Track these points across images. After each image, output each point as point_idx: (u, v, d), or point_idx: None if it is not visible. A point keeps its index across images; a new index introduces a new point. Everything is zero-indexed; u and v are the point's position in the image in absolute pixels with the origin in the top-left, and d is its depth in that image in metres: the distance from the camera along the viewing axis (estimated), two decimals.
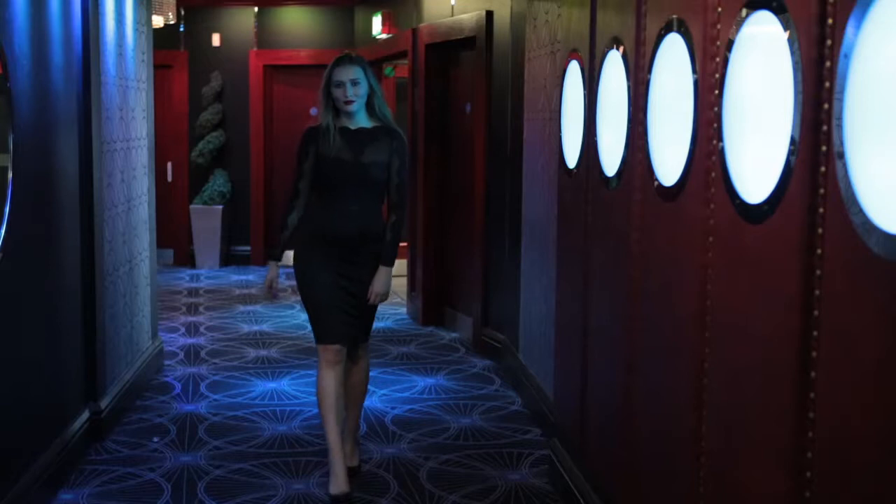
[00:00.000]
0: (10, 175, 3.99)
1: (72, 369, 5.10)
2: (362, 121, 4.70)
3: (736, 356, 2.71)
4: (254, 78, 11.72)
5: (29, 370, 4.38)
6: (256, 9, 11.57)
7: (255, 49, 11.68)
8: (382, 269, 4.72)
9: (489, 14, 7.48)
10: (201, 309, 9.30)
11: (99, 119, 5.39)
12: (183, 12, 11.32)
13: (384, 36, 9.73)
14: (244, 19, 11.69)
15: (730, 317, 2.75)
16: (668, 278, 3.28)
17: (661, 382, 3.35)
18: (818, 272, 2.25)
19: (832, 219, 2.18)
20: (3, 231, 3.87)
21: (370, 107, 4.69)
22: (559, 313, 4.94)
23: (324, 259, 4.67)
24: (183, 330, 8.37)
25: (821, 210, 2.23)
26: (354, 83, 4.59)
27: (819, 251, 2.24)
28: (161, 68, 9.98)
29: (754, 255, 2.59)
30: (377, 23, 9.91)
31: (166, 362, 7.18)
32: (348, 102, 4.60)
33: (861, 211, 2.04)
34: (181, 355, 7.49)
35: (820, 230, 2.24)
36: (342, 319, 4.71)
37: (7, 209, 3.93)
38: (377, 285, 4.72)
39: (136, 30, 6.44)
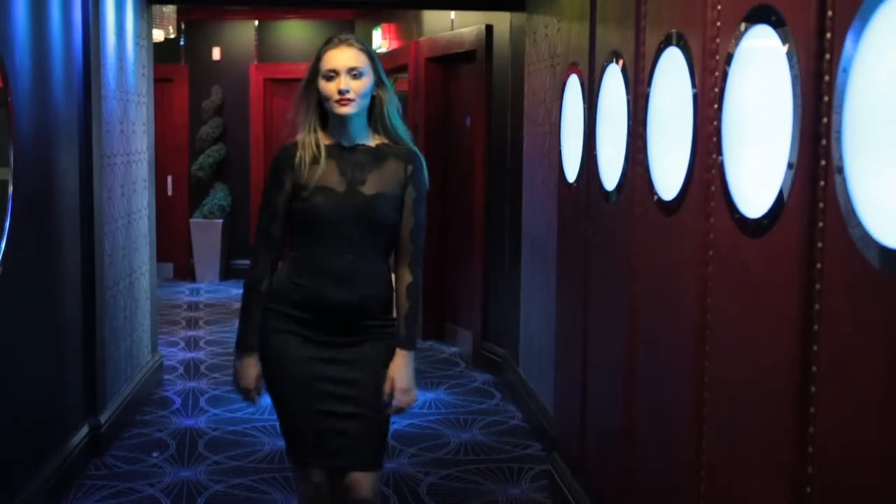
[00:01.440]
0: (10, 189, 3.99)
1: (71, 383, 5.09)
2: (361, 134, 3.24)
3: (736, 370, 2.71)
4: (254, 92, 11.74)
5: (28, 384, 4.37)
6: (257, 22, 11.59)
7: (255, 63, 11.70)
8: (402, 357, 3.26)
9: (489, 28, 7.49)
10: (201, 323, 9.29)
11: (99, 133, 5.40)
12: (183, 26, 11.35)
13: (384, 49, 9.74)
14: (244, 33, 11.71)
15: (730, 331, 2.75)
16: (667, 292, 3.27)
17: (662, 397, 3.34)
18: (818, 286, 2.25)
19: (832, 233, 2.18)
20: (3, 245, 3.87)
21: (375, 115, 3.26)
22: (559, 327, 4.94)
23: (302, 340, 3.23)
24: (183, 344, 8.36)
25: (820, 224, 2.23)
26: (355, 74, 3.15)
27: (819, 265, 2.24)
28: (161, 82, 10.00)
29: (754, 269, 2.58)
30: (377, 36, 9.93)
31: (166, 377, 7.18)
32: (343, 102, 3.14)
33: (860, 225, 2.04)
34: (181, 370, 7.48)
35: (819, 244, 2.24)
36: (327, 432, 3.24)
37: (7, 223, 3.93)
38: (400, 379, 3.25)
39: (136, 44, 6.46)
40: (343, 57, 3.16)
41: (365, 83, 3.17)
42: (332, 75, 3.15)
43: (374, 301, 3.24)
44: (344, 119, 3.19)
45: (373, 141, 3.27)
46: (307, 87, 3.21)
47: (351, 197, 3.19)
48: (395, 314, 3.28)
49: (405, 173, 3.26)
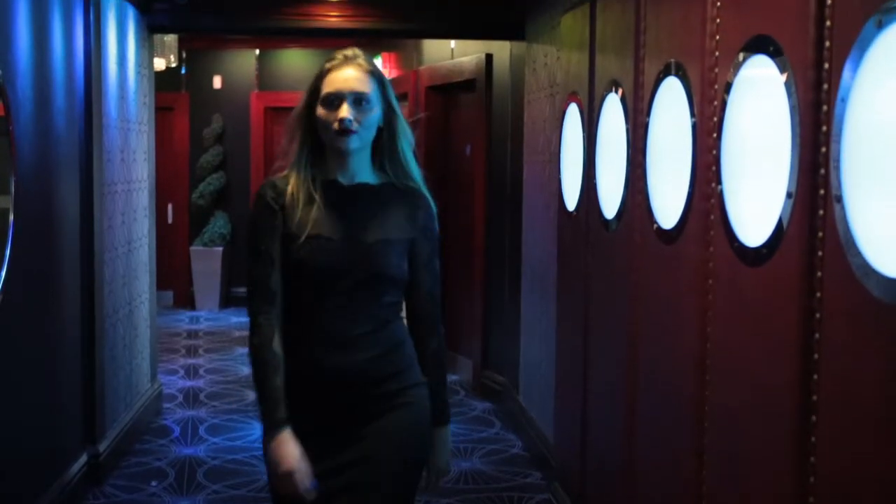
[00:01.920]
0: (11, 217, 4.00)
1: (71, 412, 5.08)
2: (364, 172, 2.73)
3: (736, 399, 2.70)
4: (255, 120, 11.78)
5: (28, 412, 4.36)
6: (258, 51, 11.65)
7: (255, 91, 11.74)
8: (442, 434, 2.82)
9: (489, 57, 7.52)
10: (201, 351, 9.28)
11: (100, 161, 5.41)
12: (184, 55, 11.40)
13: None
14: (245, 62, 11.76)
15: (730, 360, 2.75)
16: (668, 321, 3.27)
17: (662, 425, 3.33)
18: (818, 315, 2.25)
19: (831, 262, 2.18)
20: (3, 273, 3.88)
21: (382, 150, 2.75)
22: (559, 355, 4.93)
23: (300, 427, 2.61)
24: (182, 372, 8.35)
25: (819, 253, 2.24)
26: (360, 102, 2.65)
27: (818, 294, 2.24)
28: (162, 110, 10.03)
29: (754, 297, 2.58)
30: (377, 65, 9.97)
31: (165, 405, 7.16)
32: (343, 133, 2.63)
33: (860, 254, 2.04)
34: (180, 398, 7.46)
35: (819, 273, 2.24)
36: None
37: (8, 251, 3.93)
38: (441, 463, 2.83)
39: (137, 72, 6.48)
40: (347, 80, 2.65)
41: (372, 112, 2.66)
42: (334, 101, 2.64)
43: (387, 365, 2.67)
44: (344, 154, 2.66)
45: (376, 179, 2.74)
46: (303, 113, 2.72)
47: (351, 246, 2.64)
48: (416, 374, 2.75)
49: (414, 221, 2.73)
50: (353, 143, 2.65)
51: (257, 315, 2.66)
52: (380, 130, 2.71)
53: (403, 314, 2.81)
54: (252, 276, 2.68)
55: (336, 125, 2.63)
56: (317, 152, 2.72)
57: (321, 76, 2.70)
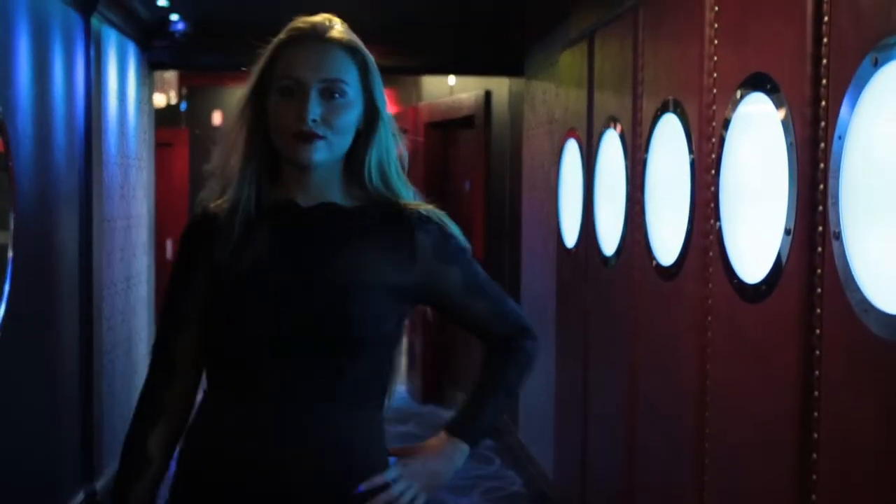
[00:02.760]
0: (10, 253, 3.99)
1: (68, 449, 5.05)
2: (332, 189, 1.92)
3: (737, 436, 2.69)
4: None
5: (24, 449, 4.34)
6: None
7: None
8: (443, 445, 1.95)
9: (488, 94, 7.56)
10: (200, 386, 9.24)
11: (100, 197, 5.42)
12: (184, 91, 11.44)
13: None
14: None
15: (730, 396, 2.74)
16: (667, 357, 3.26)
17: (662, 462, 3.32)
18: (817, 352, 2.24)
19: (830, 299, 2.18)
20: (2, 309, 3.87)
21: (357, 162, 1.92)
22: (559, 391, 4.91)
23: None
24: None
25: (819, 290, 2.24)
26: (331, 91, 1.84)
27: (818, 331, 2.24)
28: (162, 146, 10.06)
29: (753, 334, 2.58)
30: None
31: None
32: (306, 139, 1.82)
33: (859, 291, 2.04)
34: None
35: (818, 310, 2.24)
36: None
37: (7, 287, 3.93)
38: (410, 470, 1.90)
39: (137, 109, 6.51)
40: (314, 60, 1.83)
41: (348, 109, 1.85)
42: (293, 91, 1.82)
43: (343, 473, 1.82)
44: (306, 167, 1.85)
45: (349, 201, 1.92)
46: (248, 106, 1.89)
47: (302, 292, 1.81)
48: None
49: (413, 253, 1.90)
50: (320, 152, 1.82)
51: (144, 390, 1.93)
52: (357, 133, 1.89)
53: (386, 402, 1.93)
54: (156, 334, 1.95)
55: (295, 125, 1.81)
56: (266, 161, 1.88)
57: (277, 50, 1.86)
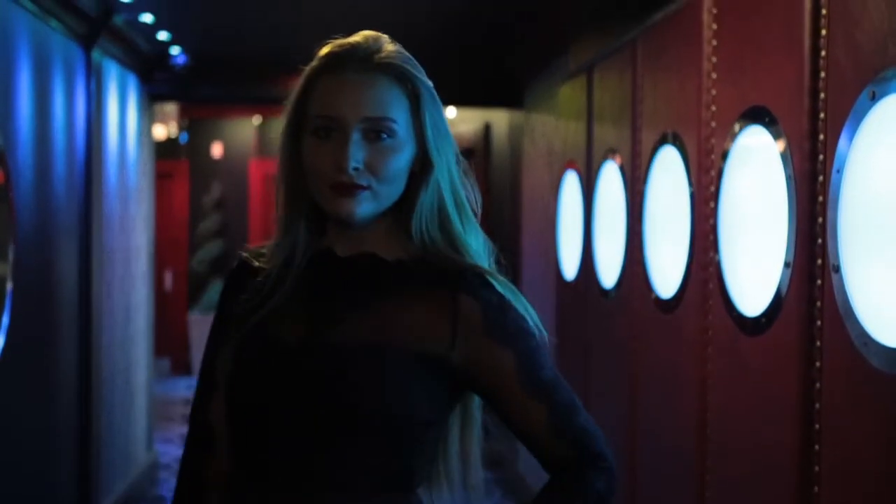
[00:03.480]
0: (10, 284, 3.99)
1: (65, 480, 5.03)
2: (377, 239, 1.59)
3: (738, 469, 2.68)
4: (254, 187, 11.83)
5: (22, 480, 4.32)
6: (257, 118, 11.74)
7: (255, 158, 11.81)
8: None
9: (487, 126, 7.58)
10: None
11: (100, 228, 5.43)
12: (184, 122, 11.49)
13: None
14: (245, 129, 11.84)
15: (731, 429, 2.73)
16: (668, 389, 3.26)
17: (664, 494, 3.30)
18: (818, 385, 2.24)
19: (830, 332, 2.18)
20: (2, 340, 3.86)
21: (414, 208, 1.57)
22: None
23: None
24: (179, 441, 8.28)
25: (818, 323, 2.23)
26: (376, 132, 1.52)
27: (818, 364, 2.24)
28: (161, 177, 10.09)
29: (753, 366, 2.57)
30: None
31: (161, 474, 7.09)
32: (345, 190, 1.51)
33: (858, 324, 2.04)
34: (177, 467, 7.38)
35: (818, 343, 2.24)
36: None
37: (6, 318, 3.93)
38: None
39: (138, 140, 6.53)
40: (354, 94, 1.52)
41: (398, 152, 1.53)
42: (329, 131, 1.53)
43: None
44: (347, 220, 1.54)
45: (394, 252, 1.59)
46: (284, 148, 1.63)
47: (308, 353, 1.53)
48: None
49: (455, 319, 1.54)
50: (363, 206, 1.52)
51: (184, 461, 1.72)
52: (411, 175, 1.57)
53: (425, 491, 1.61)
54: (193, 398, 1.74)
55: (333, 177, 1.51)
56: (313, 208, 1.59)
57: (310, 81, 1.57)
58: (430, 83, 1.58)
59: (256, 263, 1.63)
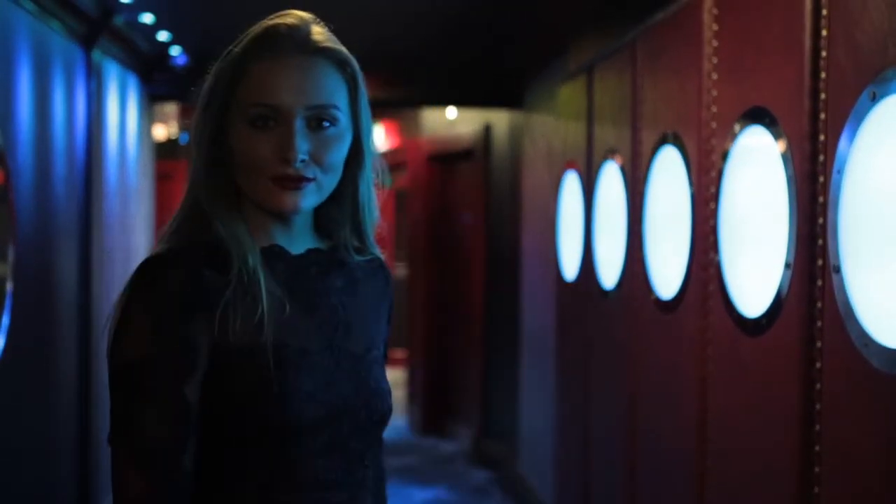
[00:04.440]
0: (10, 285, 3.99)
1: (65, 480, 5.03)
2: (305, 230, 1.55)
3: (738, 470, 2.68)
4: None
5: (22, 485, 4.32)
6: None
7: None
8: None
9: (487, 127, 7.58)
10: None
11: (100, 229, 5.43)
12: (185, 123, 11.47)
13: (384, 148, 9.86)
14: None
15: (731, 430, 2.73)
16: (668, 390, 3.25)
17: (664, 495, 3.30)
18: (818, 386, 2.23)
19: (830, 332, 2.18)
20: (1, 341, 3.86)
21: (339, 197, 1.54)
22: (559, 424, 4.89)
23: None
24: None
25: (819, 323, 2.23)
26: (319, 120, 1.45)
27: (818, 364, 2.23)
28: (161, 178, 10.08)
29: (754, 367, 2.57)
30: (380, 135, 10.05)
31: None
32: (290, 182, 1.44)
33: (859, 324, 2.04)
34: None
35: (819, 343, 2.23)
36: None
37: (6, 319, 3.93)
38: None
39: (138, 141, 6.53)
40: (298, 77, 1.45)
41: (340, 139, 1.48)
42: (269, 120, 1.44)
43: None
44: (287, 216, 1.50)
45: (317, 242, 1.57)
46: (209, 139, 1.50)
47: (338, 364, 1.51)
48: None
49: (387, 302, 1.65)
50: (308, 199, 1.46)
51: None
52: (350, 161, 1.52)
53: None
54: (146, 448, 1.53)
55: (276, 169, 1.43)
56: (236, 204, 1.50)
57: (240, 65, 1.46)
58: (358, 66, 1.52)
59: (206, 273, 1.43)
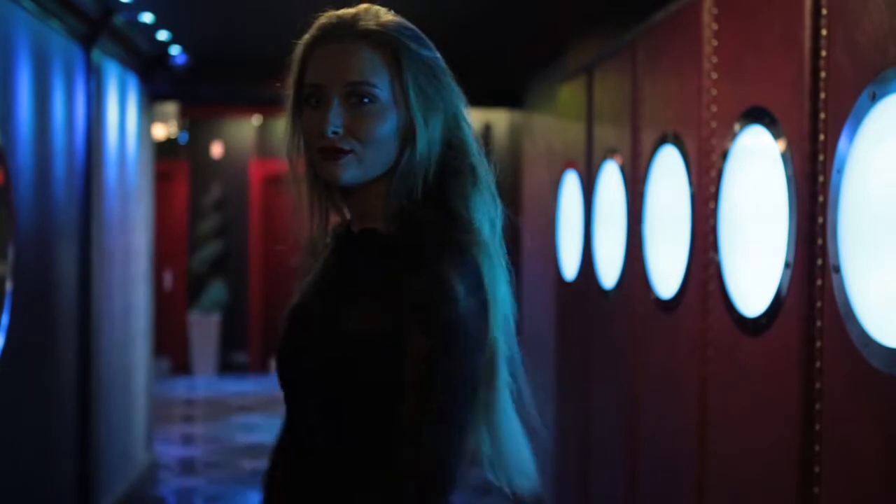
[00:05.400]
0: (9, 284, 3.99)
1: (65, 481, 5.03)
2: (375, 212, 1.61)
3: (738, 468, 2.68)
4: (254, 187, 11.83)
5: (22, 483, 4.32)
6: (257, 118, 11.74)
7: (255, 159, 11.81)
8: None
9: (487, 126, 7.58)
10: (197, 419, 9.21)
11: (99, 229, 5.43)
12: (185, 122, 11.48)
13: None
14: (244, 129, 11.84)
15: (731, 428, 2.73)
16: (668, 389, 3.25)
17: (664, 494, 3.30)
18: (818, 385, 2.23)
19: (830, 332, 2.18)
20: (1, 340, 3.86)
21: (401, 178, 1.58)
22: (559, 424, 4.90)
23: None
24: (178, 441, 8.28)
25: (818, 323, 2.23)
26: (357, 96, 1.56)
27: (818, 364, 2.23)
28: (161, 177, 10.09)
29: (754, 367, 2.57)
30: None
31: (161, 474, 7.09)
32: (328, 153, 1.56)
33: (859, 324, 2.04)
34: (176, 467, 7.39)
35: (818, 343, 2.23)
36: None
37: (6, 319, 3.93)
38: None
39: (137, 140, 6.53)
40: (335, 60, 1.57)
41: (381, 115, 1.56)
42: (316, 99, 1.58)
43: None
44: (336, 187, 1.62)
45: (394, 226, 1.59)
46: (289, 125, 1.67)
47: (292, 320, 1.64)
48: None
49: (398, 297, 1.51)
50: (348, 170, 1.55)
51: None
52: (403, 144, 1.58)
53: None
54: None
55: (318, 142, 1.56)
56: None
57: (304, 53, 1.62)
58: (423, 50, 1.60)
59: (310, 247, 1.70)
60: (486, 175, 1.66)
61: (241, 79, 7.03)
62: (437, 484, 1.49)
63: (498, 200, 1.66)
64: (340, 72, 1.56)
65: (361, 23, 1.58)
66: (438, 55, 1.64)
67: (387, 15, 1.61)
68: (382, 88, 1.56)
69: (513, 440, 1.70)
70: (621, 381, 3.74)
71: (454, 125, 1.62)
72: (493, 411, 1.63)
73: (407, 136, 1.57)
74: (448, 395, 1.48)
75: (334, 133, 1.54)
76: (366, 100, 1.55)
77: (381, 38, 1.57)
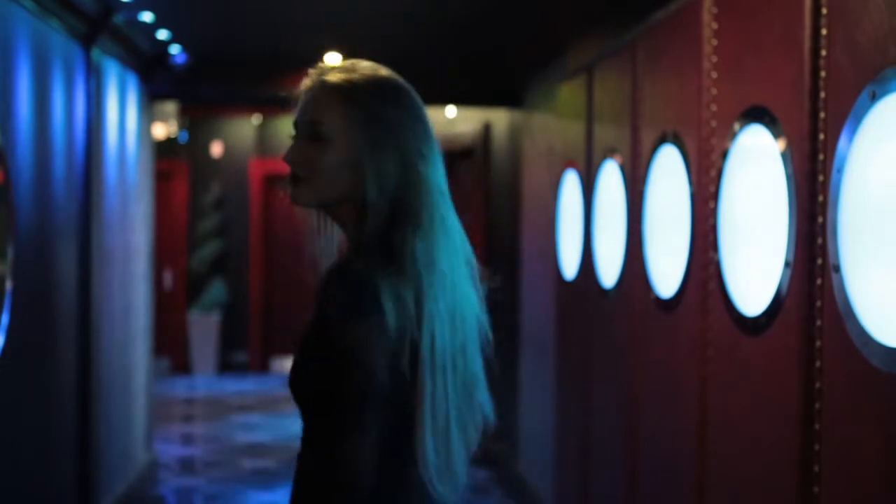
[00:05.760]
0: (9, 284, 3.99)
1: (65, 481, 5.03)
2: (348, 238, 1.87)
3: (738, 468, 2.68)
4: (254, 187, 11.83)
5: (21, 483, 4.32)
6: (256, 117, 11.73)
7: (255, 158, 11.81)
8: None
9: (487, 126, 7.58)
10: (197, 418, 9.21)
11: (99, 229, 5.43)
12: (185, 122, 11.48)
13: None
14: (244, 129, 11.84)
15: (731, 428, 2.73)
16: (668, 389, 3.26)
17: (664, 494, 3.30)
18: (818, 385, 2.24)
19: (830, 331, 2.18)
20: (1, 339, 3.86)
21: (361, 206, 1.81)
22: (559, 423, 4.90)
23: None
24: (178, 440, 8.28)
25: (818, 322, 2.23)
26: (312, 133, 1.81)
27: (818, 364, 2.24)
28: (161, 177, 10.09)
29: (754, 366, 2.57)
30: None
31: (161, 474, 7.09)
32: (290, 178, 1.84)
33: (859, 323, 2.04)
34: (176, 466, 7.39)
35: (818, 343, 2.23)
36: None
37: (6, 318, 3.92)
38: None
39: (137, 140, 6.53)
40: (302, 103, 1.84)
41: (325, 148, 1.79)
42: (294, 131, 1.85)
43: None
44: (298, 206, 1.86)
45: (351, 250, 1.85)
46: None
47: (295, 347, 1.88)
48: None
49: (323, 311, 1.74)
50: (302, 195, 1.80)
51: None
52: (354, 178, 1.79)
53: None
54: None
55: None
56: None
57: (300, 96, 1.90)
58: (380, 103, 1.81)
59: None
60: (444, 212, 1.88)
61: (241, 78, 7.03)
62: (345, 490, 1.73)
63: (453, 233, 1.90)
64: (301, 112, 1.83)
65: (330, 75, 1.82)
66: (403, 107, 1.83)
67: (365, 71, 1.84)
68: (331, 126, 1.79)
69: (442, 447, 1.91)
70: (621, 381, 3.74)
71: (410, 165, 1.82)
72: (420, 420, 1.81)
73: (357, 172, 1.78)
74: (344, 409, 1.71)
75: (291, 162, 1.81)
76: (315, 135, 1.80)
77: (340, 89, 1.80)
